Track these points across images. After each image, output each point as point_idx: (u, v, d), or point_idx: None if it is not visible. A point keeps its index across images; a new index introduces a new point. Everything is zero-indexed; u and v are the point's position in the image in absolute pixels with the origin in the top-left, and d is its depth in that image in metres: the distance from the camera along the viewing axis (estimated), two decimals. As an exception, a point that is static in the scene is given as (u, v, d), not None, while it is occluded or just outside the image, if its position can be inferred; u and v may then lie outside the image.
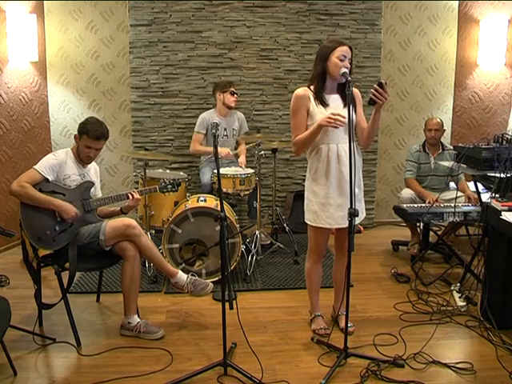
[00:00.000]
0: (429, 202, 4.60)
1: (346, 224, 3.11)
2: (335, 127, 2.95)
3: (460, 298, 3.81)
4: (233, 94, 5.16)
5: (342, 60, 3.01)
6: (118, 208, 3.65)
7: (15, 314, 3.07)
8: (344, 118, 2.91)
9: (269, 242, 5.07)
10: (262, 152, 4.74)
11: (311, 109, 3.11)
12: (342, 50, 3.02)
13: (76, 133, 3.46)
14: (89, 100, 5.77)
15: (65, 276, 3.25)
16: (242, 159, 5.19)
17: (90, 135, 3.39)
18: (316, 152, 3.17)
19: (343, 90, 3.08)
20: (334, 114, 2.93)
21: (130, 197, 3.56)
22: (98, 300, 3.96)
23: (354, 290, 4.02)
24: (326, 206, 3.16)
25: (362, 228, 5.94)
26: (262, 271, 4.55)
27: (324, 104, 3.10)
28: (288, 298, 4.01)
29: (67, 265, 3.27)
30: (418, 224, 4.83)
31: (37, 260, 3.37)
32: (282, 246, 4.98)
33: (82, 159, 3.50)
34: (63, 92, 5.72)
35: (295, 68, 5.76)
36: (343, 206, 3.13)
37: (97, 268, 3.73)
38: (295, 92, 3.15)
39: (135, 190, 3.62)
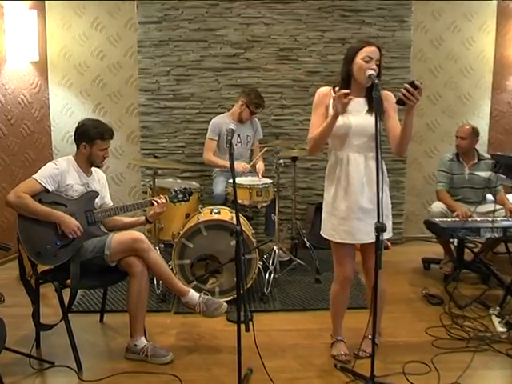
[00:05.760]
0: (457, 215, 4.56)
1: (367, 240, 3.14)
2: (345, 101, 2.91)
3: (500, 323, 3.76)
4: (254, 114, 5.20)
5: (367, 61, 3.00)
6: (142, 217, 3.73)
7: (10, 334, 3.05)
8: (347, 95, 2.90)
9: (288, 258, 5.05)
10: (281, 160, 4.74)
11: (330, 109, 3.12)
12: (368, 50, 3.02)
13: (81, 142, 3.50)
14: (93, 103, 5.82)
15: (66, 294, 3.26)
16: (261, 167, 5.17)
17: (105, 137, 3.50)
18: (335, 161, 3.18)
19: (370, 94, 3.06)
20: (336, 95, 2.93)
21: (155, 203, 3.64)
22: (101, 320, 3.97)
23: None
24: (344, 219, 3.15)
25: (389, 244, 5.89)
26: (281, 290, 4.54)
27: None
28: (309, 319, 3.99)
29: (68, 281, 3.28)
30: (451, 240, 4.78)
31: (35, 276, 3.37)
32: (302, 262, 4.95)
33: (98, 164, 3.58)
34: (66, 94, 5.78)
35: (317, 69, 5.77)
36: (363, 220, 3.12)
37: (101, 285, 3.76)
38: (319, 89, 3.22)
39: (161, 196, 3.70)
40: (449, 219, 4.54)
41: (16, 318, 3.82)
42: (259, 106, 5.15)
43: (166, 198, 3.75)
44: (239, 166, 4.92)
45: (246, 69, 5.75)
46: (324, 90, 3.21)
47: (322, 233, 3.29)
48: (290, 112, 5.84)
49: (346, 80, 3.12)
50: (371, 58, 3.01)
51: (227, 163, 4.93)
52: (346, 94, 2.88)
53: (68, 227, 3.29)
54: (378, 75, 2.99)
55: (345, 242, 3.19)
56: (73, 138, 3.56)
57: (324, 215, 3.27)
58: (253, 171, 5.25)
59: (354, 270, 3.34)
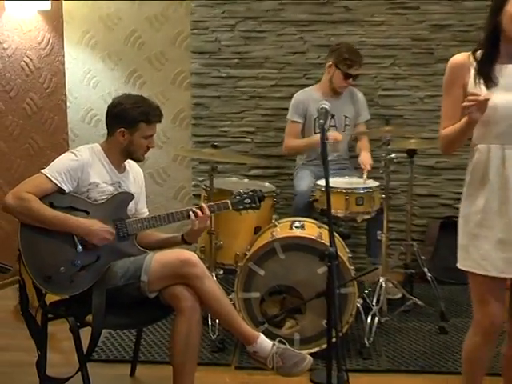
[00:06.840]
0: None
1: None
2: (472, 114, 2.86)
3: None
4: (349, 77, 5.12)
5: (525, 7, 2.96)
6: (179, 235, 3.73)
7: (5, 390, 3.16)
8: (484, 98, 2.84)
9: (400, 295, 5.01)
10: (393, 155, 4.69)
11: (468, 87, 3.07)
12: None
13: (118, 127, 3.55)
14: (127, 70, 5.94)
15: (84, 335, 3.31)
16: (365, 158, 5.17)
17: (152, 119, 3.57)
18: (472, 155, 3.13)
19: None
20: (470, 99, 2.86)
21: (193, 215, 3.56)
22: (132, 373, 4.04)
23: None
24: (503, 243, 3.04)
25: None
26: (389, 341, 4.53)
27: (489, 82, 3.01)
28: (429, 386, 3.97)
29: (89, 318, 3.32)
30: None
31: (42, 309, 3.44)
32: (420, 302, 4.90)
33: (139, 156, 3.66)
34: (88, 58, 5.93)
35: (447, 22, 5.72)
36: (509, 243, 3.04)
37: (134, 324, 3.81)
38: (451, 59, 3.13)
39: (202, 205, 3.65)
40: None
41: (13, 368, 3.92)
42: (353, 64, 5.04)
43: (221, 205, 3.73)
44: (331, 136, 4.80)
45: (343, 22, 5.74)
46: (459, 58, 3.12)
47: (459, 265, 3.15)
48: (406, 85, 5.81)
49: (491, 38, 3.04)
50: None
51: (316, 138, 4.78)
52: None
53: (95, 237, 3.34)
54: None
55: (500, 276, 3.08)
56: (96, 117, 3.65)
57: (466, 240, 3.13)
58: (350, 167, 5.25)
59: (502, 314, 3.22)
